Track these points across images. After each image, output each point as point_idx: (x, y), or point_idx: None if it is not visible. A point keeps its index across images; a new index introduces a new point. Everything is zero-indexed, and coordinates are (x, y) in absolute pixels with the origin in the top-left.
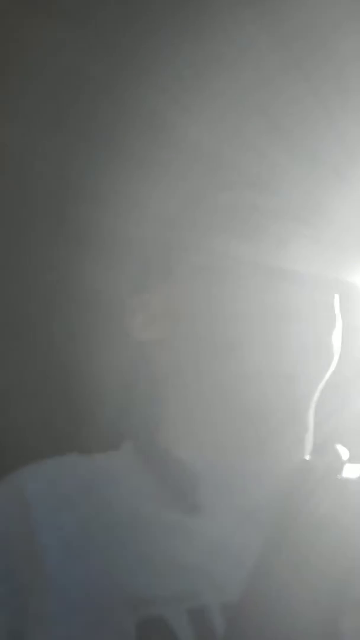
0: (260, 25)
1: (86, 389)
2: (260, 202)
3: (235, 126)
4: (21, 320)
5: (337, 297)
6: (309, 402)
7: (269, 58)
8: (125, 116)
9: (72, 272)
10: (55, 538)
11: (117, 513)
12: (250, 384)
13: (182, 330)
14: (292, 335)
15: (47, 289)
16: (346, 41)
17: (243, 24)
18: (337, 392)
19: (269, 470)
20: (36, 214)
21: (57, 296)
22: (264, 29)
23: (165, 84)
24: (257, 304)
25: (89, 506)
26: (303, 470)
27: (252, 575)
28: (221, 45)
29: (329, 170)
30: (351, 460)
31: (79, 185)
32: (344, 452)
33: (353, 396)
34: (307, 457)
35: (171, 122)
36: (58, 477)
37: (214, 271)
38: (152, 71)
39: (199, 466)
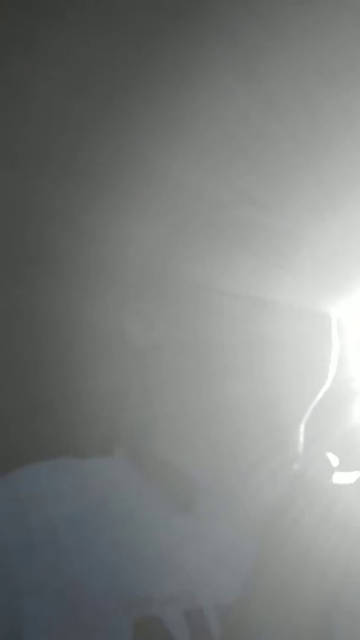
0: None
1: (81, 395)
2: (243, 237)
3: (216, 165)
4: (17, 325)
5: (325, 325)
6: (297, 424)
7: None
8: (110, 151)
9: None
10: (50, 540)
11: (112, 515)
12: (237, 406)
13: (178, 338)
14: (277, 363)
15: (46, 299)
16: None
17: (223, 68)
18: (326, 412)
19: (261, 476)
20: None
21: (55, 305)
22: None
23: (147, 122)
24: (241, 333)
25: (84, 508)
26: (295, 476)
27: (248, 577)
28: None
29: (310, 206)
30: (341, 468)
31: (66, 217)
32: (333, 460)
33: (341, 416)
34: (297, 466)
35: (155, 158)
36: (53, 479)
37: (198, 301)
38: (136, 110)
39: (193, 471)
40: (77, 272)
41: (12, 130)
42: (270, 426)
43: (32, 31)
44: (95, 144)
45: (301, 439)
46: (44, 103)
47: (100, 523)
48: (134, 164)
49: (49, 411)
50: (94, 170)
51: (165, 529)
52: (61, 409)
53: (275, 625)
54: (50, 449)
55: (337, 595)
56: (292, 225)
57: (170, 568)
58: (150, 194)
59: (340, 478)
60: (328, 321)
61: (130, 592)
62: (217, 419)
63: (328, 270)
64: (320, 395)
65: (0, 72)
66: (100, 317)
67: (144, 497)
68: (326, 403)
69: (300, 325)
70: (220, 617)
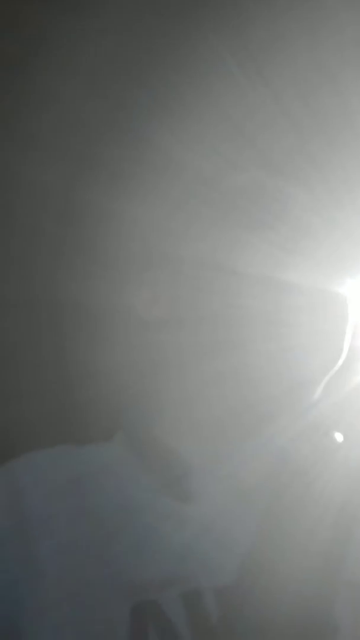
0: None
1: (79, 380)
2: (248, 215)
3: (220, 147)
4: (19, 313)
5: (331, 302)
6: (304, 402)
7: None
8: (125, 142)
9: (74, 276)
10: (48, 528)
11: (109, 501)
12: (246, 373)
13: (184, 312)
14: (286, 336)
15: (48, 279)
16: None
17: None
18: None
19: (261, 455)
20: (42, 231)
21: (58, 289)
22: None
23: (149, 106)
24: (254, 309)
25: (81, 495)
26: (294, 453)
27: (245, 559)
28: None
29: (323, 190)
30: (343, 444)
31: (82, 204)
32: (337, 436)
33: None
34: (300, 440)
35: (159, 142)
36: (50, 467)
37: (203, 279)
38: (137, 96)
39: (191, 454)
40: (81, 252)
41: (15, 117)
42: (276, 405)
43: (41, 30)
44: (99, 132)
45: (307, 416)
46: (45, 90)
47: (98, 510)
48: (137, 148)
49: (46, 397)
50: (98, 155)
51: (162, 513)
52: (59, 394)
53: (272, 608)
54: (49, 436)
55: (339, 569)
56: (297, 204)
57: (166, 552)
58: (153, 176)
59: (343, 457)
60: (334, 298)
61: (128, 577)
62: (219, 398)
63: (334, 248)
64: (328, 373)
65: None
66: (102, 298)
67: (141, 482)
68: (335, 382)
69: (304, 302)
70: (217, 600)
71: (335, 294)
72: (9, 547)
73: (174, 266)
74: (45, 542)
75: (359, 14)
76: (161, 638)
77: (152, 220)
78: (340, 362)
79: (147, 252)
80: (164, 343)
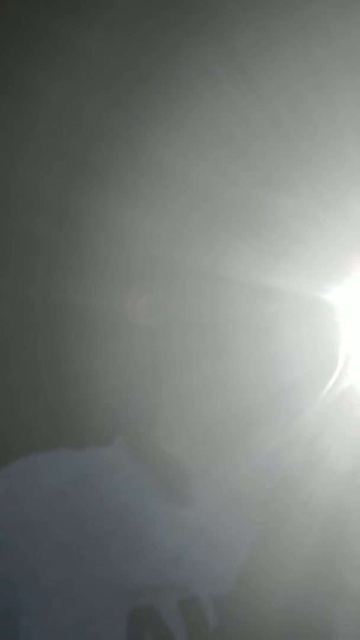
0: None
1: (81, 384)
2: (247, 226)
3: (219, 161)
4: (20, 316)
5: (327, 311)
6: (299, 408)
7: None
8: (121, 151)
9: (72, 287)
10: (45, 531)
11: (107, 506)
12: (235, 380)
13: (175, 318)
14: (275, 344)
15: (44, 289)
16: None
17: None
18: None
19: (257, 461)
20: (40, 236)
21: (54, 293)
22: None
23: (153, 122)
24: (243, 316)
25: (79, 499)
26: (289, 459)
27: (243, 566)
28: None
29: (312, 196)
30: (329, 449)
31: (79, 211)
32: (325, 440)
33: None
34: (288, 447)
35: (161, 155)
36: (49, 470)
37: (198, 286)
38: (147, 112)
39: (190, 459)
40: (77, 257)
41: (20, 128)
42: (271, 411)
43: (39, 35)
44: (105, 145)
45: (302, 423)
46: (50, 102)
47: (96, 514)
48: (133, 157)
49: (43, 401)
50: (96, 162)
51: (161, 519)
52: (56, 398)
53: (269, 617)
54: (46, 439)
55: (340, 577)
56: (287, 213)
57: (165, 558)
58: (147, 184)
59: (340, 465)
60: (330, 307)
61: (126, 582)
62: (209, 404)
63: (330, 258)
64: (316, 380)
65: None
66: (97, 303)
67: (141, 487)
68: (330, 388)
69: (302, 311)
70: (216, 606)
71: (324, 301)
72: (6, 551)
73: (166, 273)
74: (43, 545)
75: (348, 25)
76: None
77: (144, 227)
78: (328, 368)
79: (139, 259)
80: (157, 349)
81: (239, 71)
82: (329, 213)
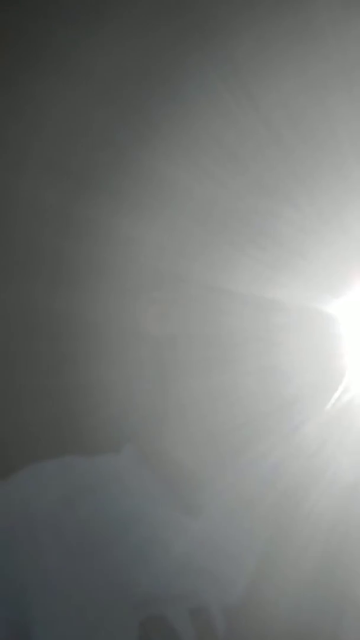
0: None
1: (90, 392)
2: (249, 238)
3: (225, 176)
4: (26, 327)
5: (329, 322)
6: (303, 417)
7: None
8: (126, 165)
9: (76, 299)
10: (57, 538)
11: (118, 513)
12: (237, 391)
13: (180, 329)
14: (277, 355)
15: (51, 299)
16: None
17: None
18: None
19: (261, 471)
20: (45, 247)
21: (59, 303)
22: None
23: (161, 138)
24: (245, 327)
25: (90, 506)
26: (292, 469)
27: (253, 575)
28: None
29: (312, 211)
30: (332, 460)
31: (84, 223)
32: (328, 451)
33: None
34: (295, 457)
35: (165, 171)
36: (59, 477)
37: (208, 298)
38: (151, 127)
39: (200, 467)
40: (89, 272)
41: (25, 140)
42: (274, 422)
43: (43, 49)
44: (110, 159)
45: (304, 434)
46: (54, 115)
47: (107, 521)
48: (145, 175)
49: (53, 410)
50: (109, 182)
51: (171, 528)
52: (66, 407)
53: (285, 619)
54: (56, 447)
55: (347, 587)
56: (288, 225)
57: (175, 567)
58: (159, 202)
59: (342, 476)
60: (331, 319)
61: (136, 590)
62: (212, 414)
63: (332, 271)
64: (317, 391)
65: (15, 85)
66: (109, 315)
67: (151, 495)
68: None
69: (304, 323)
70: (225, 616)
71: (325, 313)
72: (17, 556)
73: (170, 285)
74: (53, 552)
75: (348, 40)
76: None
77: (148, 240)
78: (330, 380)
79: (144, 271)
80: (161, 359)
81: (241, 86)
82: (330, 226)
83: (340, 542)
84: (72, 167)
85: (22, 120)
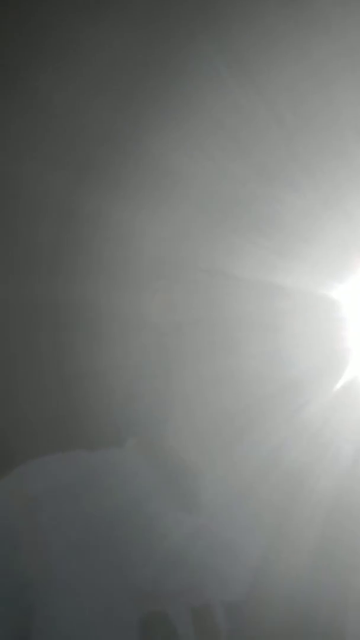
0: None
1: (90, 382)
2: (252, 226)
3: (225, 164)
4: (28, 318)
5: (329, 307)
6: (305, 403)
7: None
8: (127, 153)
9: (79, 287)
10: (59, 534)
11: (121, 509)
12: (240, 375)
13: (183, 316)
14: (279, 339)
15: (54, 299)
16: None
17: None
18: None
19: (255, 454)
20: (45, 237)
21: (65, 294)
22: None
23: (162, 125)
24: (248, 312)
25: (92, 502)
26: (294, 450)
27: (255, 572)
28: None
29: (315, 198)
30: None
31: (86, 212)
32: (329, 432)
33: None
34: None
35: (168, 158)
36: (61, 472)
37: (212, 284)
38: (152, 114)
39: (203, 463)
40: (91, 260)
41: (27, 131)
42: (277, 404)
43: (44, 39)
44: (112, 148)
45: (306, 415)
46: (55, 105)
47: (109, 517)
48: (148, 163)
49: (56, 400)
50: (111, 170)
51: (174, 524)
52: (68, 396)
53: (287, 616)
54: (58, 439)
55: (350, 583)
56: (299, 215)
57: (177, 563)
58: (162, 189)
59: (334, 456)
60: (333, 304)
61: (138, 586)
62: (216, 399)
63: (334, 256)
64: (319, 374)
65: (18, 78)
66: (112, 303)
67: (154, 492)
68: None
69: (306, 307)
70: (227, 614)
71: (327, 297)
72: (20, 552)
73: (173, 272)
74: (55, 547)
75: (349, 25)
76: None
77: (151, 227)
78: (332, 363)
79: (147, 258)
80: (165, 345)
81: (242, 72)
82: (333, 212)
83: (341, 530)
84: (73, 157)
85: (23, 111)
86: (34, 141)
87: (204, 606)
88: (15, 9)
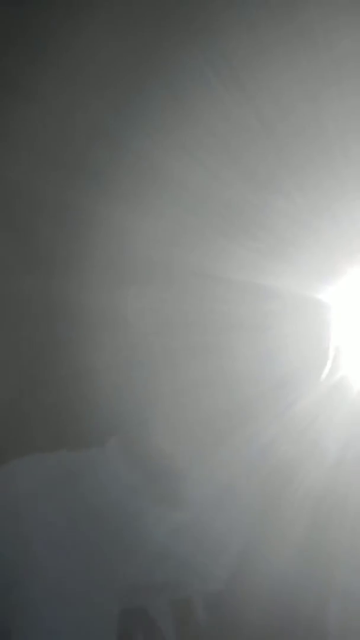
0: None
1: (80, 380)
2: (242, 229)
3: (215, 167)
4: (18, 320)
5: (320, 310)
6: (296, 404)
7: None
8: (121, 155)
9: (72, 287)
10: (42, 530)
11: (103, 506)
12: (231, 375)
13: (173, 317)
14: (268, 340)
15: (47, 298)
16: None
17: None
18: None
19: (250, 460)
20: (39, 236)
21: (57, 293)
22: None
23: (155, 129)
24: (238, 314)
25: (76, 499)
26: (275, 449)
27: (236, 566)
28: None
29: (303, 202)
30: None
31: (80, 213)
32: (317, 428)
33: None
34: (280, 437)
35: (160, 161)
36: (45, 470)
37: (202, 286)
38: (146, 118)
39: (184, 459)
40: (84, 260)
41: (21, 130)
42: (266, 403)
43: (40, 39)
44: (105, 149)
45: (295, 413)
46: (50, 106)
47: (92, 514)
48: (141, 166)
49: (44, 397)
50: (104, 172)
51: (156, 520)
52: (58, 394)
53: (268, 608)
54: (44, 440)
55: (331, 575)
56: (288, 218)
57: (158, 558)
58: (154, 191)
59: (322, 453)
60: (321, 305)
61: (119, 581)
62: (206, 399)
63: (322, 259)
64: (307, 374)
65: (13, 77)
66: (104, 303)
67: (137, 488)
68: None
69: (295, 309)
70: (207, 607)
71: (315, 299)
72: (5, 550)
73: (164, 273)
74: (40, 545)
75: (339, 35)
76: None
77: (143, 229)
78: (320, 363)
79: (139, 259)
80: (155, 345)
81: (235, 79)
82: (321, 217)
83: (329, 525)
84: (66, 158)
85: (18, 111)
86: (26, 140)
87: (185, 600)
88: (11, 5)
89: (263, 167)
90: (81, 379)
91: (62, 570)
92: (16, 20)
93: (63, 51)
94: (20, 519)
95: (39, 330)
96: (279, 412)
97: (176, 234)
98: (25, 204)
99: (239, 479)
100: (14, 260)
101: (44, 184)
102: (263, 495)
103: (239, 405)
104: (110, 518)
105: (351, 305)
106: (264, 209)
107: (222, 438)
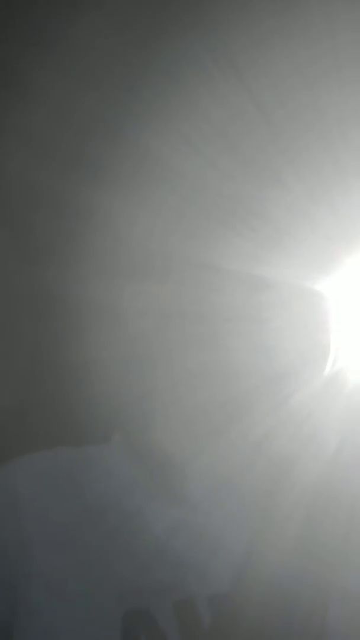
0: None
1: (77, 383)
2: (239, 219)
3: (213, 156)
4: (18, 318)
5: (319, 302)
6: (296, 399)
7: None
8: (117, 145)
9: (68, 278)
10: (43, 530)
11: (105, 505)
12: (227, 366)
13: (170, 307)
14: (264, 331)
15: (43, 289)
16: None
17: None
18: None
19: (240, 445)
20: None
21: (54, 285)
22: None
23: (152, 118)
24: (234, 305)
25: (77, 498)
26: (272, 443)
27: (239, 567)
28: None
29: (301, 191)
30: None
31: (76, 204)
32: (315, 422)
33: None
34: (277, 431)
35: (157, 151)
36: (46, 469)
37: (195, 277)
38: (143, 107)
39: (187, 458)
40: (80, 251)
41: (17, 123)
42: (263, 396)
43: (40, 33)
44: (102, 140)
45: (292, 406)
46: (46, 97)
47: (93, 513)
48: (137, 156)
49: (44, 391)
50: (101, 162)
51: (158, 519)
52: (57, 387)
53: (272, 610)
54: (47, 437)
55: (334, 576)
56: (286, 208)
57: (161, 559)
58: (151, 182)
59: (319, 448)
60: (319, 296)
61: (121, 582)
62: (203, 391)
63: (320, 250)
64: (304, 366)
65: (9, 68)
66: (101, 295)
67: (139, 487)
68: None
69: (293, 300)
70: (211, 608)
71: (312, 290)
72: (5, 549)
73: (161, 264)
74: (40, 544)
75: (338, 24)
76: None
77: (140, 219)
78: (318, 355)
79: (136, 250)
80: (153, 337)
81: (232, 67)
82: (319, 207)
83: (327, 519)
84: (63, 148)
85: (13, 101)
86: (23, 131)
87: (187, 601)
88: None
89: (261, 157)
90: (78, 372)
91: (63, 570)
92: (12, 10)
93: (59, 41)
94: (21, 517)
95: (36, 323)
96: (276, 405)
97: (174, 223)
98: (21, 196)
99: (236, 472)
100: (10, 252)
101: (40, 174)
102: (260, 488)
103: (237, 398)
104: (111, 516)
105: (350, 296)
106: (262, 199)
107: (220, 431)
